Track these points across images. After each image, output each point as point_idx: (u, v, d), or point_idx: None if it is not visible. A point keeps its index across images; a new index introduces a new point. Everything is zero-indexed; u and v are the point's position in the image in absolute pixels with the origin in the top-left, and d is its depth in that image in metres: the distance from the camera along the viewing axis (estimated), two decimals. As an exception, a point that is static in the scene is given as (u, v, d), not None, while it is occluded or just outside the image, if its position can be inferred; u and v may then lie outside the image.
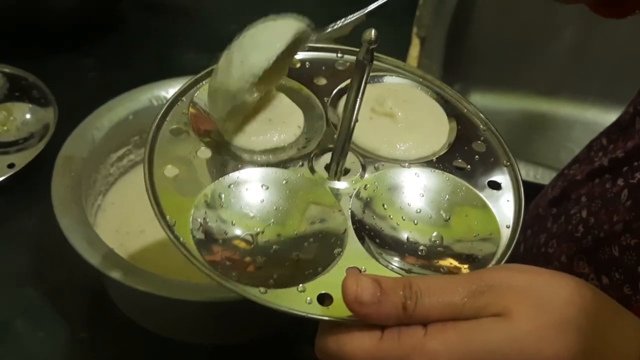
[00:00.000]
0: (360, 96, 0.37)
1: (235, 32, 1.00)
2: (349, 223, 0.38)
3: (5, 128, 0.74)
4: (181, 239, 0.35)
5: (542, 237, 0.58)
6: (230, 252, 0.36)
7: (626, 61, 1.07)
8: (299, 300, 0.33)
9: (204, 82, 0.44)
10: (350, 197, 0.39)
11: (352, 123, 0.38)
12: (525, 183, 0.79)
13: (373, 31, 0.34)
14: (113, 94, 0.66)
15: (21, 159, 0.70)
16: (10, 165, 0.70)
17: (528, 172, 0.79)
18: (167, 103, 0.42)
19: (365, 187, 0.40)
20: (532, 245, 0.60)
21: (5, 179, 0.69)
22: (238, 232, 0.37)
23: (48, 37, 0.89)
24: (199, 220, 0.36)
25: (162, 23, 0.99)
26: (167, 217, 0.36)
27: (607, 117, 0.62)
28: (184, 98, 0.43)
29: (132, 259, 0.53)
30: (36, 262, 0.66)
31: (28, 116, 0.75)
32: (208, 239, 0.36)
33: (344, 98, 0.43)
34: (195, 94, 0.43)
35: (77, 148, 0.61)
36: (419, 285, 0.31)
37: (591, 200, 0.53)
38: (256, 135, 0.42)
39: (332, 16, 1.05)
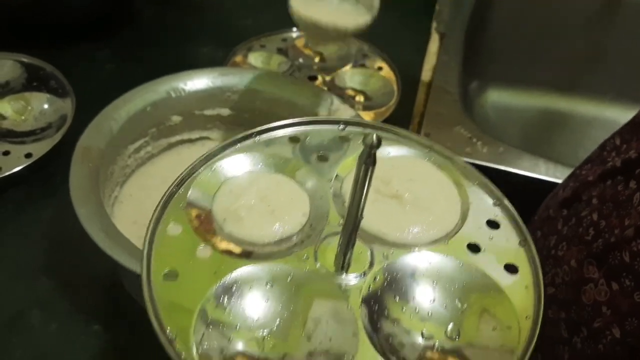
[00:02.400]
0: (364, 195, 0.35)
1: (250, 26, 1.00)
2: (360, 323, 0.35)
3: (22, 118, 0.74)
4: (183, 355, 0.33)
5: (552, 239, 0.57)
6: None
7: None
8: None
9: (200, 169, 0.42)
10: (360, 292, 0.37)
11: (358, 220, 0.36)
12: (544, 182, 0.79)
13: (375, 135, 0.33)
14: (129, 86, 0.66)
15: (38, 149, 0.70)
16: (28, 155, 0.70)
17: (548, 170, 0.78)
18: (164, 198, 0.40)
19: (375, 280, 0.38)
20: (542, 247, 0.58)
21: (23, 168, 0.68)
22: (243, 338, 0.34)
23: (65, 29, 0.89)
24: (202, 330, 0.34)
25: (178, 17, 0.99)
26: (168, 330, 0.34)
27: (626, 115, 0.62)
28: (181, 189, 0.41)
29: (149, 251, 0.53)
30: (51, 253, 0.66)
31: (46, 106, 0.75)
32: (212, 350, 0.34)
33: (348, 178, 0.42)
34: (189, 192, 0.41)
35: (95, 139, 0.60)
36: None
37: (602, 203, 0.52)
38: (258, 229, 0.39)
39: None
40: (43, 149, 0.70)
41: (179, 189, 0.41)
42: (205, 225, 0.39)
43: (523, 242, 0.40)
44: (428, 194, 0.42)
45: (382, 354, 0.34)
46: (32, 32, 0.88)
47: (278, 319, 0.35)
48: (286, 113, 0.68)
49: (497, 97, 1.12)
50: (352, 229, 0.36)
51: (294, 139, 0.45)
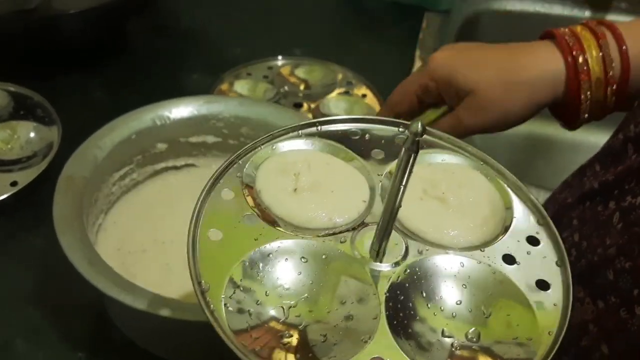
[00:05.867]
0: (404, 183, 0.36)
1: (239, 55, 1.02)
2: (382, 309, 0.36)
3: (9, 146, 0.75)
4: (212, 306, 0.35)
5: None
6: (259, 323, 0.35)
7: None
8: None
9: (261, 146, 0.44)
10: (389, 280, 0.38)
11: (395, 208, 0.37)
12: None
13: (420, 123, 0.33)
14: (118, 114, 0.66)
15: (24, 177, 0.71)
16: (13, 184, 0.70)
17: (538, 196, 0.79)
18: (224, 165, 0.43)
19: (405, 272, 0.38)
20: None
21: (8, 197, 0.69)
22: (271, 303, 0.36)
23: (55, 57, 0.90)
24: (233, 288, 0.36)
25: (169, 45, 1.00)
26: (202, 282, 0.36)
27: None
28: (240, 161, 0.43)
29: (133, 278, 0.53)
30: (38, 281, 0.66)
31: (32, 135, 0.76)
32: (239, 309, 0.36)
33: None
34: (247, 165, 0.43)
35: (79, 167, 0.61)
36: None
37: (583, 224, 0.52)
38: (314, 212, 0.41)
39: (328, 39, 1.06)
40: (29, 177, 0.70)
41: (239, 160, 0.43)
42: (255, 197, 0.42)
43: (560, 263, 0.40)
44: (473, 202, 0.43)
45: (397, 339, 0.35)
46: (22, 61, 0.88)
47: (306, 293, 0.37)
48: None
49: (483, 123, 1.13)
50: (390, 216, 0.37)
51: (353, 133, 0.46)
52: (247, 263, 0.38)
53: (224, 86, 0.88)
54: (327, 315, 0.36)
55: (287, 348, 0.35)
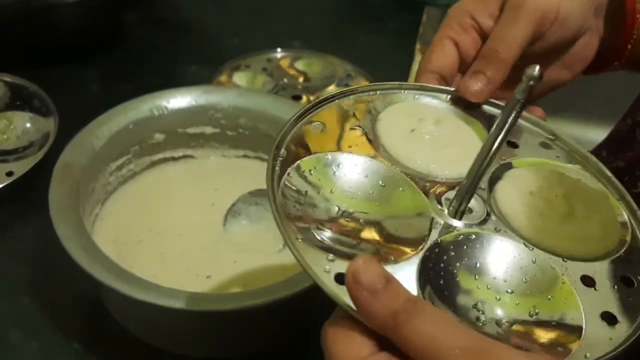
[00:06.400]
0: (504, 135, 0.33)
1: (236, 46, 1.01)
2: (422, 254, 0.34)
3: (5, 136, 0.74)
4: (276, 177, 0.36)
5: None
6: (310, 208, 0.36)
7: (630, 81, 1.06)
8: (321, 263, 0.32)
9: (405, 91, 0.45)
10: (452, 233, 0.36)
11: (486, 162, 0.35)
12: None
13: (537, 68, 0.31)
14: (114, 106, 0.66)
15: (20, 167, 0.70)
16: (9, 174, 0.69)
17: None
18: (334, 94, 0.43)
19: (471, 236, 0.36)
20: None
21: (4, 187, 0.68)
22: (336, 199, 0.37)
23: (53, 49, 0.90)
24: (304, 169, 0.37)
25: (165, 37, 1.00)
26: (282, 150, 0.38)
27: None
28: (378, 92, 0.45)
29: (129, 268, 0.52)
30: (33, 272, 0.65)
31: (28, 125, 0.75)
32: (298, 192, 0.36)
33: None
34: (378, 101, 0.44)
35: (77, 156, 0.60)
36: (424, 308, 0.29)
37: None
38: (416, 154, 0.41)
39: (327, 32, 1.06)
40: (25, 167, 0.70)
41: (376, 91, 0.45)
42: (373, 123, 0.43)
43: None
44: (591, 214, 0.39)
45: (422, 287, 0.33)
46: (18, 51, 0.88)
47: (366, 206, 0.37)
48: (271, 129, 0.68)
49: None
50: (477, 171, 0.35)
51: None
52: (329, 158, 0.38)
53: (223, 78, 0.88)
54: (383, 217, 0.36)
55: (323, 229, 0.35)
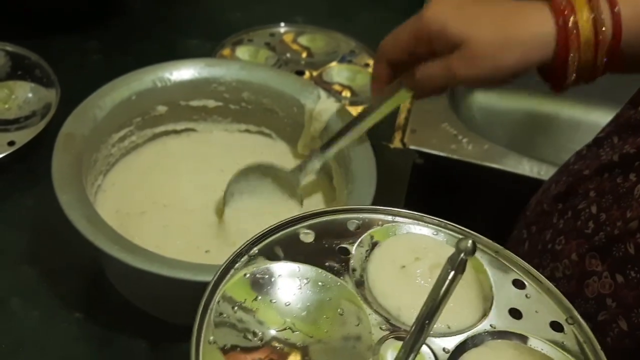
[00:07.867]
0: (442, 304, 0.31)
1: (239, 20, 1.00)
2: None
3: (6, 106, 0.74)
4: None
5: (547, 234, 0.57)
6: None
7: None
8: None
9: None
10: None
11: (428, 324, 0.31)
12: (528, 179, 0.79)
13: (470, 241, 0.29)
14: (115, 77, 0.66)
15: (22, 137, 0.70)
16: (11, 143, 0.69)
17: (532, 168, 0.79)
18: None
19: None
20: (537, 241, 0.59)
21: (5, 156, 0.68)
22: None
23: (54, 19, 0.89)
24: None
25: (167, 10, 0.99)
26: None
27: (610, 119, 0.63)
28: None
29: (132, 239, 0.52)
30: (34, 241, 0.65)
31: (30, 95, 0.75)
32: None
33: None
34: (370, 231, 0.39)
35: (79, 126, 0.60)
36: None
37: (601, 196, 0.52)
38: (394, 291, 0.37)
39: (331, 8, 1.05)
40: (26, 137, 0.70)
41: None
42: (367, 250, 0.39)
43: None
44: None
45: None
46: (20, 21, 0.87)
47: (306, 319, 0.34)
48: (274, 104, 0.68)
49: (484, 99, 1.12)
50: (417, 334, 0.32)
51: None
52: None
53: (226, 52, 0.87)
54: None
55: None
